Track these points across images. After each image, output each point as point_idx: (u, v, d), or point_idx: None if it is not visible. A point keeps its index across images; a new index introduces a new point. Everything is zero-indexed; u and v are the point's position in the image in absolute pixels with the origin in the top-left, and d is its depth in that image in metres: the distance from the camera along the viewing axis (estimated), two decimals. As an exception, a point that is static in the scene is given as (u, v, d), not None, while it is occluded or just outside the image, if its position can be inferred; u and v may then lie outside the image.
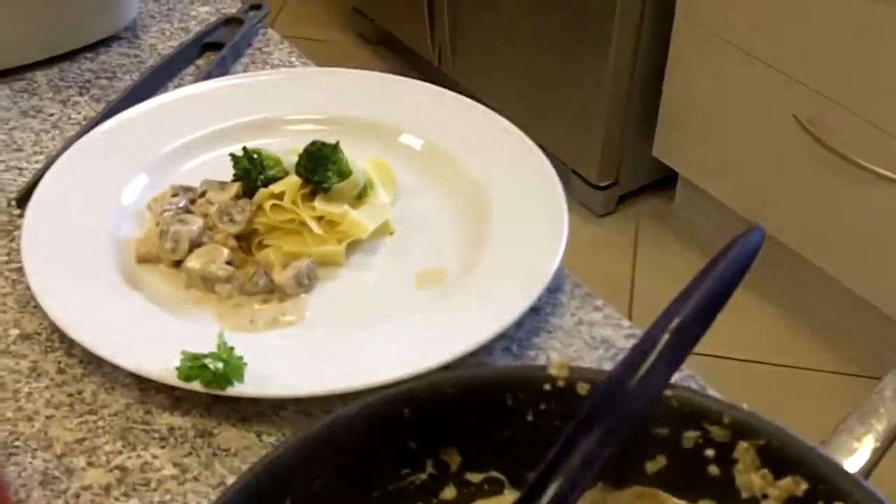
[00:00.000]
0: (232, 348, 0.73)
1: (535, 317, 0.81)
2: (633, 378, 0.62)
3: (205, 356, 0.72)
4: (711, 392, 0.76)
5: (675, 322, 0.63)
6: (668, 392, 0.65)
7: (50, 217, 0.85)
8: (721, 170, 2.31)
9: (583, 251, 2.38)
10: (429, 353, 0.74)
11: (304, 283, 0.82)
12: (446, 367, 0.74)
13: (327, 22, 3.22)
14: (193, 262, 0.81)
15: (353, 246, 0.86)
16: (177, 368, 0.72)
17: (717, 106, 2.25)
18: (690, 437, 0.63)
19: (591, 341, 0.80)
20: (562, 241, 0.83)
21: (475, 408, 0.65)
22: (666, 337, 0.62)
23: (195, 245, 0.83)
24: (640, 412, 0.62)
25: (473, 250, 0.85)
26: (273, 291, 0.82)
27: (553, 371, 0.65)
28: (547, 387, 0.65)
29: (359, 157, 0.89)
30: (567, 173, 2.51)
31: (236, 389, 0.72)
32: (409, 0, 2.74)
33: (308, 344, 0.78)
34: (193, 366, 0.72)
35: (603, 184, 2.50)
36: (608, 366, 0.78)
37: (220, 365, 0.72)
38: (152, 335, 0.77)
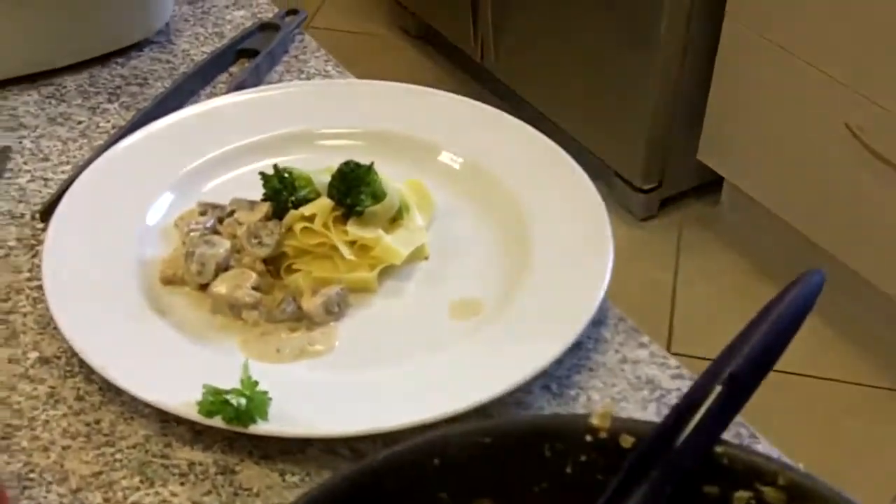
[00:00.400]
0: (256, 383, 0.70)
1: (577, 352, 0.77)
2: (682, 432, 0.58)
3: (227, 392, 0.68)
4: (763, 443, 0.71)
5: (728, 371, 0.59)
6: (718, 448, 0.61)
7: (72, 234, 0.82)
8: (768, 175, 2.25)
9: (623, 256, 2.33)
10: (463, 393, 0.71)
11: (334, 310, 0.78)
12: (481, 408, 0.71)
13: (368, 14, 3.19)
14: (220, 287, 0.78)
15: (386, 271, 0.82)
16: (198, 403, 0.69)
17: (766, 110, 2.19)
18: (742, 497, 0.60)
19: (636, 381, 0.76)
20: (607, 271, 0.79)
21: (511, 458, 0.62)
22: (718, 388, 0.58)
23: (222, 268, 0.79)
24: (687, 469, 0.58)
25: (512, 279, 0.81)
26: (301, 319, 0.78)
27: (595, 421, 0.61)
28: (588, 438, 0.61)
29: (394, 177, 0.85)
30: (609, 175, 2.46)
31: (259, 427, 0.69)
32: (452, -6, 2.70)
33: (336, 378, 0.74)
34: (216, 401, 0.68)
35: (646, 187, 2.45)
36: (652, 408, 0.74)
37: (242, 401, 0.68)
38: (175, 365, 0.74)
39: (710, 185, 2.48)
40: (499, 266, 0.83)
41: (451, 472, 0.61)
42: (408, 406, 0.70)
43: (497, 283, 0.81)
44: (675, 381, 0.76)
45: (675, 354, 2.13)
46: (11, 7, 0.99)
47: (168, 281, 0.80)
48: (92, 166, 0.88)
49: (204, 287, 0.79)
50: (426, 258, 0.84)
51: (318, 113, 0.95)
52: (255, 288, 0.78)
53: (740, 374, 0.59)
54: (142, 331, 0.76)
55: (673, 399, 0.75)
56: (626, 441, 0.61)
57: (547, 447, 0.62)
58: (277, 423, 0.69)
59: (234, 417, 0.68)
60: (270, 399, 0.69)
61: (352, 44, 3.03)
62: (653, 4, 2.18)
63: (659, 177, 2.44)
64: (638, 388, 0.76)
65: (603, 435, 0.61)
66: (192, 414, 0.69)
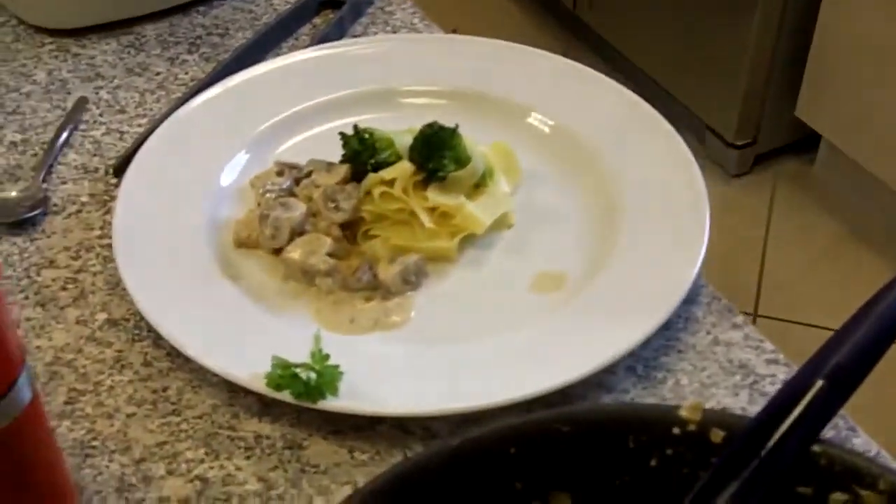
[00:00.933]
0: (327, 356, 0.67)
1: (665, 332, 0.73)
2: (778, 429, 0.54)
3: (297, 365, 0.66)
4: (862, 436, 0.67)
5: (831, 365, 0.55)
6: (816, 447, 0.56)
7: (144, 192, 0.80)
8: (868, 135, 2.16)
9: (714, 213, 2.27)
10: (541, 375, 0.67)
11: (411, 280, 0.75)
12: (561, 391, 0.67)
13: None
14: (293, 253, 0.75)
15: (467, 240, 0.78)
16: (266, 376, 0.66)
17: (869, 66, 2.09)
18: (838, 499, 0.56)
19: (728, 365, 0.71)
20: (702, 246, 0.75)
21: (592, 449, 0.58)
22: (820, 382, 0.54)
23: (296, 233, 0.76)
24: (782, 468, 0.54)
25: (599, 252, 0.77)
26: (377, 288, 0.75)
27: (685, 413, 0.57)
28: (676, 430, 0.58)
29: (480, 139, 0.81)
30: (702, 130, 2.39)
31: (328, 403, 0.66)
32: (547, -59, 2.63)
33: (410, 352, 0.71)
34: (284, 375, 0.65)
35: (740, 142, 2.37)
36: (744, 396, 0.70)
37: (312, 376, 0.65)
38: (244, 333, 0.71)
39: (806, 141, 2.39)
40: (586, 237, 0.79)
41: (527, 461, 0.58)
42: (484, 386, 0.67)
43: (583, 256, 0.77)
44: (769, 367, 0.71)
45: (761, 317, 2.07)
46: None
47: (241, 243, 0.78)
48: (167, 122, 0.85)
49: (278, 251, 0.76)
50: (510, 226, 0.80)
51: (402, 69, 0.91)
52: (330, 254, 0.75)
53: (845, 366, 0.55)
54: (212, 296, 0.73)
55: (767, 386, 0.70)
56: (717, 436, 0.58)
57: (631, 439, 0.58)
58: (348, 399, 0.66)
59: (302, 392, 0.65)
60: (342, 373, 0.67)
61: (441, -9, 2.98)
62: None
63: (754, 132, 2.36)
64: (730, 372, 0.71)
65: (692, 428, 0.58)
66: (260, 387, 0.66)
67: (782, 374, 0.71)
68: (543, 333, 0.71)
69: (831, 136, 2.28)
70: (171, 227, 0.78)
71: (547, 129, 0.87)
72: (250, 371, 0.67)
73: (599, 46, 2.54)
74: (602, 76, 0.89)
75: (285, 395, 0.66)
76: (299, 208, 0.77)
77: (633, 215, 0.78)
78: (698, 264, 0.74)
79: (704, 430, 0.57)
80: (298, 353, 0.67)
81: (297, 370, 0.65)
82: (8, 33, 1.00)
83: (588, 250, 0.77)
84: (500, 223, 0.79)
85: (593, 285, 0.74)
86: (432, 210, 0.77)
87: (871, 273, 2.11)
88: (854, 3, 2.07)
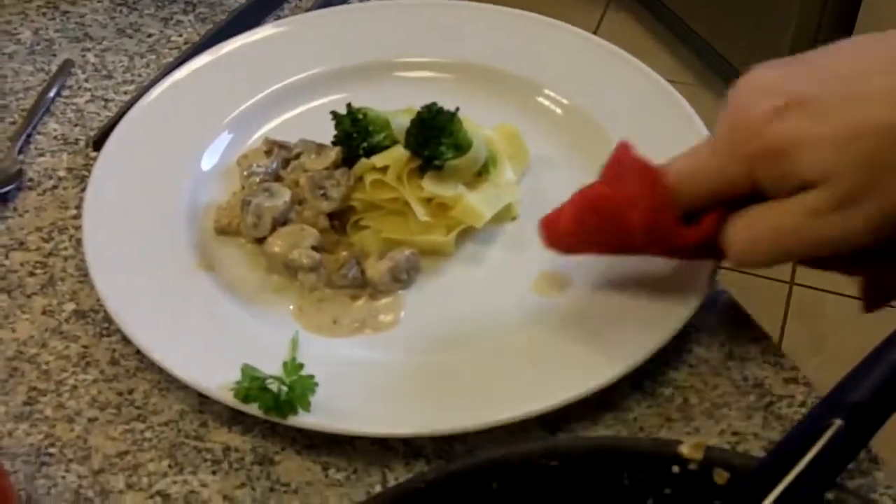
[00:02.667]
0: (301, 366, 0.61)
1: (676, 342, 0.66)
2: (789, 473, 0.49)
3: (267, 377, 0.60)
4: (885, 470, 0.61)
5: (849, 402, 0.49)
6: (830, 495, 0.51)
7: (122, 169, 0.74)
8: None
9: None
10: (538, 392, 0.61)
11: (402, 278, 0.69)
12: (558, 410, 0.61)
13: None
14: (275, 245, 0.69)
15: (466, 233, 0.72)
16: (234, 386, 0.61)
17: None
18: (856, 554, 0.50)
19: (742, 383, 0.65)
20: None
21: (582, 486, 0.53)
22: (837, 423, 0.49)
23: (279, 222, 0.70)
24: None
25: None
26: (364, 286, 0.69)
27: (686, 451, 0.53)
28: (675, 469, 0.53)
29: (485, 119, 0.75)
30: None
31: (299, 420, 0.60)
32: None
33: (396, 361, 0.65)
34: (252, 387, 0.60)
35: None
36: (758, 418, 0.63)
37: (283, 389, 0.60)
38: (217, 333, 0.66)
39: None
40: None
41: (511, 497, 0.53)
42: (471, 404, 0.61)
43: (585, 261, 0.70)
44: (788, 387, 0.65)
45: (797, 285, 2.00)
46: None
47: (222, 230, 0.72)
48: (150, 93, 0.79)
49: (260, 241, 0.71)
50: (514, 219, 0.74)
51: (405, 38, 0.85)
52: (315, 247, 0.69)
53: (863, 407, 0.49)
54: (184, 289, 0.68)
55: (784, 408, 0.64)
56: (721, 477, 0.53)
57: (626, 476, 0.53)
58: (321, 415, 0.61)
59: (271, 407, 0.60)
60: (316, 385, 0.61)
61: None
62: None
63: (798, 92, 2.28)
64: (744, 391, 0.65)
65: (693, 467, 0.53)
66: (227, 398, 0.61)
67: (801, 395, 0.65)
68: (541, 345, 0.65)
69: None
70: (147, 209, 0.72)
71: (559, 110, 0.80)
72: (222, 377, 0.62)
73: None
74: (623, 53, 0.82)
75: (253, 409, 0.60)
76: (284, 196, 0.71)
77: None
78: (713, 273, 0.67)
79: (707, 470, 0.52)
80: (275, 358, 0.62)
81: (268, 382, 0.60)
82: (-5, -13, 0.95)
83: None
84: (503, 215, 0.73)
85: (598, 290, 0.68)
86: (428, 201, 0.71)
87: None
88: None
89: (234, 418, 0.64)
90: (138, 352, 0.67)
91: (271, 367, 0.62)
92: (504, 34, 0.84)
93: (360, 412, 0.61)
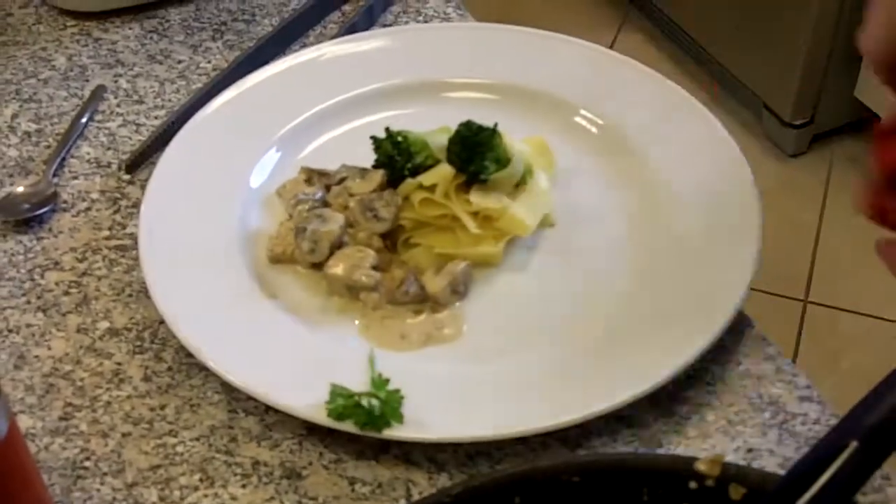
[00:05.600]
0: (388, 381, 0.64)
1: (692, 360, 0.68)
2: (805, 493, 0.50)
3: (360, 394, 0.63)
4: (893, 490, 0.62)
5: (865, 425, 0.51)
6: (845, 514, 0.52)
7: (170, 195, 0.77)
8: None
9: (768, 192, 2.20)
10: (560, 405, 0.64)
11: (460, 290, 0.72)
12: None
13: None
14: (336, 268, 0.71)
15: (510, 242, 0.75)
16: (327, 406, 0.63)
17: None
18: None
19: (757, 401, 0.67)
20: (750, 268, 0.71)
21: (602, 501, 0.55)
22: (854, 444, 0.50)
23: (336, 246, 0.73)
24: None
25: (642, 259, 0.74)
26: (425, 300, 0.71)
27: (702, 467, 0.54)
28: (692, 484, 0.55)
29: (516, 132, 0.78)
30: (759, 107, 2.32)
31: (392, 432, 0.63)
32: None
33: (466, 370, 0.68)
34: (347, 404, 0.62)
35: (797, 122, 2.30)
36: (773, 435, 0.65)
37: (376, 403, 0.62)
38: (289, 354, 0.68)
39: (864, 121, 2.31)
40: (628, 239, 0.76)
41: (533, 512, 0.54)
42: (523, 410, 0.65)
43: (625, 262, 0.74)
44: (802, 405, 0.67)
45: (812, 303, 2.01)
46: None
47: (276, 260, 0.74)
48: (191, 120, 0.81)
49: (316, 266, 0.73)
50: (552, 226, 0.77)
51: (436, 61, 0.87)
52: (373, 267, 0.72)
53: (879, 429, 0.50)
54: (254, 317, 0.70)
55: (798, 426, 0.66)
56: (737, 492, 0.55)
57: (646, 491, 0.55)
58: (411, 427, 0.63)
59: (367, 423, 0.62)
60: (402, 398, 0.64)
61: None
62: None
63: (811, 112, 2.29)
64: (759, 408, 0.67)
65: (710, 483, 0.54)
66: (321, 417, 0.63)
67: (814, 412, 0.67)
68: (574, 359, 0.68)
69: (893, 118, 2.20)
70: (202, 238, 0.74)
71: (589, 126, 0.83)
72: (300, 397, 0.64)
73: (656, 17, 2.47)
74: (650, 70, 0.85)
75: (347, 426, 0.63)
76: (337, 220, 0.73)
77: (678, 225, 0.75)
78: (746, 287, 0.69)
79: (723, 486, 0.54)
80: (349, 375, 0.65)
81: (361, 399, 0.62)
82: (31, 15, 0.97)
83: (631, 256, 0.75)
84: (542, 222, 0.76)
85: (631, 304, 0.71)
86: (474, 214, 0.73)
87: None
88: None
89: (263, 433, 0.66)
90: (170, 368, 0.69)
91: (350, 382, 0.64)
92: (530, 55, 0.87)
93: (442, 421, 0.64)
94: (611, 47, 2.66)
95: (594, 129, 0.83)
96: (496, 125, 0.74)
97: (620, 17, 2.58)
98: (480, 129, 0.74)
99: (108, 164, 0.83)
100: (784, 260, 2.07)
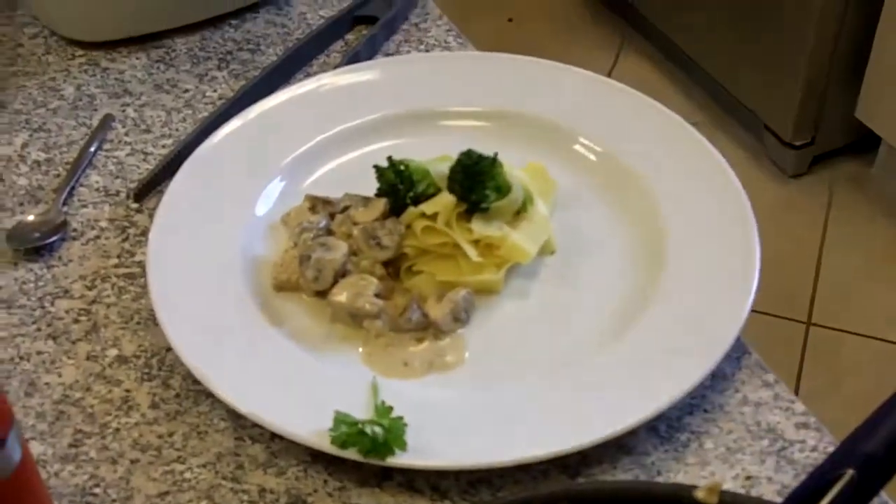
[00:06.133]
0: (391, 408, 0.65)
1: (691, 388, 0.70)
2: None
3: (364, 422, 0.64)
4: (892, 511, 0.63)
5: (862, 453, 0.51)
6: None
7: (177, 222, 0.78)
8: (932, 141, 2.09)
9: (769, 213, 2.20)
10: (559, 433, 0.66)
11: (462, 317, 0.73)
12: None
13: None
14: (340, 296, 0.72)
15: (511, 269, 0.76)
16: (331, 433, 0.64)
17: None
18: None
19: (756, 428, 0.68)
20: (749, 298, 0.72)
21: (600, 529, 0.56)
22: (850, 472, 0.51)
23: (339, 274, 0.74)
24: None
25: (642, 287, 0.75)
26: (427, 328, 0.73)
27: (701, 495, 0.55)
28: None
29: (515, 159, 0.79)
30: (760, 127, 2.34)
31: (395, 460, 0.64)
32: (605, -70, 2.58)
33: (468, 396, 0.69)
34: (351, 432, 0.63)
35: (798, 142, 2.31)
36: (771, 462, 0.66)
37: (379, 431, 0.63)
38: (294, 382, 0.69)
39: (865, 143, 2.32)
40: (628, 267, 0.77)
41: (532, 539, 0.55)
42: (529, 436, 0.66)
43: (625, 290, 0.76)
44: (799, 432, 0.68)
45: (815, 325, 2.02)
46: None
47: (281, 287, 0.75)
48: (197, 150, 0.83)
49: (320, 293, 0.74)
50: (552, 253, 0.78)
51: (437, 90, 0.89)
52: (376, 295, 0.73)
53: (876, 457, 0.51)
54: (260, 344, 0.72)
55: (796, 453, 0.67)
56: (736, 520, 0.55)
57: (642, 520, 0.55)
58: (414, 454, 0.64)
59: (371, 450, 0.63)
60: (406, 426, 0.65)
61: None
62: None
63: (812, 133, 2.30)
64: (758, 436, 0.68)
65: None
66: (325, 445, 0.64)
67: (812, 439, 0.68)
68: (575, 387, 0.69)
69: (891, 138, 2.21)
70: (208, 266, 0.76)
71: (588, 153, 0.84)
72: (306, 424, 0.65)
73: (656, 38, 2.48)
74: (648, 99, 0.86)
75: (350, 454, 0.64)
76: (341, 248, 0.74)
77: (676, 253, 0.76)
78: (744, 317, 0.71)
79: (722, 514, 0.55)
80: (353, 403, 0.66)
81: (365, 426, 0.64)
82: (39, 45, 0.99)
83: (631, 283, 0.76)
84: (542, 249, 0.77)
85: (632, 331, 0.72)
86: (475, 242, 0.75)
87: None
88: (920, 6, 2.00)
89: (269, 460, 0.67)
90: (178, 395, 0.71)
91: (353, 409, 0.65)
92: (531, 83, 0.88)
93: (446, 449, 0.65)
94: (612, 68, 2.68)
95: (593, 157, 0.84)
96: (496, 154, 0.76)
97: (620, 39, 2.60)
98: (481, 158, 0.75)
99: (117, 193, 0.85)
100: (786, 281, 2.07)
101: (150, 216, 0.81)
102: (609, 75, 2.67)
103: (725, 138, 2.36)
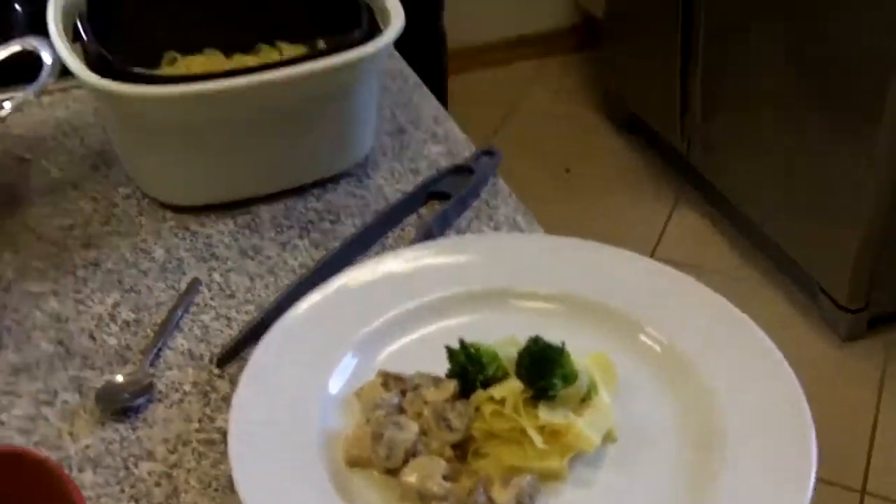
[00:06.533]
0: None
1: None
2: None
3: None
4: None
5: None
6: None
7: (257, 393, 0.82)
8: None
9: (823, 378, 2.21)
10: None
11: (526, 502, 0.76)
12: None
13: (576, 98, 3.17)
14: (410, 477, 0.75)
15: (574, 456, 0.79)
16: None
17: None
18: None
19: None
20: (807, 495, 0.74)
21: None
22: None
23: (410, 453, 0.77)
24: None
25: (702, 477, 0.77)
26: None
27: None
28: None
29: (581, 345, 0.82)
30: (814, 288, 2.35)
31: None
32: (663, 87, 2.66)
33: None
34: None
35: (853, 307, 2.32)
36: None
37: None
38: None
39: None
40: (684, 461, 0.79)
41: None
42: None
43: (683, 482, 0.78)
44: None
45: (870, 494, 2.00)
46: (226, 137, 1.01)
47: (353, 462, 0.79)
48: (280, 321, 0.87)
49: (391, 471, 0.78)
50: (614, 441, 0.81)
51: (505, 271, 0.93)
52: (444, 477, 0.76)
53: None
54: None
55: None
56: None
57: None
58: None
59: None
60: None
61: (554, 128, 3.02)
62: (874, 104, 2.05)
63: (867, 297, 2.32)
64: None
65: None
66: None
67: None
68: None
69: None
70: (285, 437, 0.79)
71: (653, 344, 0.88)
72: None
73: (709, 192, 2.53)
74: (714, 295, 0.90)
75: None
76: (413, 428, 0.78)
77: (734, 447, 0.78)
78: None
79: None
80: None
81: None
82: (133, 206, 1.05)
83: (692, 473, 0.78)
84: (605, 437, 0.80)
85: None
86: (541, 428, 0.78)
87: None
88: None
89: None
90: (253, 566, 0.74)
91: None
92: (599, 270, 0.93)
93: None
94: (666, 221, 2.72)
95: (658, 348, 0.87)
96: (563, 344, 0.80)
97: (675, 192, 2.65)
98: (548, 346, 0.79)
99: (201, 357, 0.89)
100: (840, 448, 2.05)
101: (231, 381, 0.85)
102: (664, 228, 2.74)
103: (776, 293, 2.38)
